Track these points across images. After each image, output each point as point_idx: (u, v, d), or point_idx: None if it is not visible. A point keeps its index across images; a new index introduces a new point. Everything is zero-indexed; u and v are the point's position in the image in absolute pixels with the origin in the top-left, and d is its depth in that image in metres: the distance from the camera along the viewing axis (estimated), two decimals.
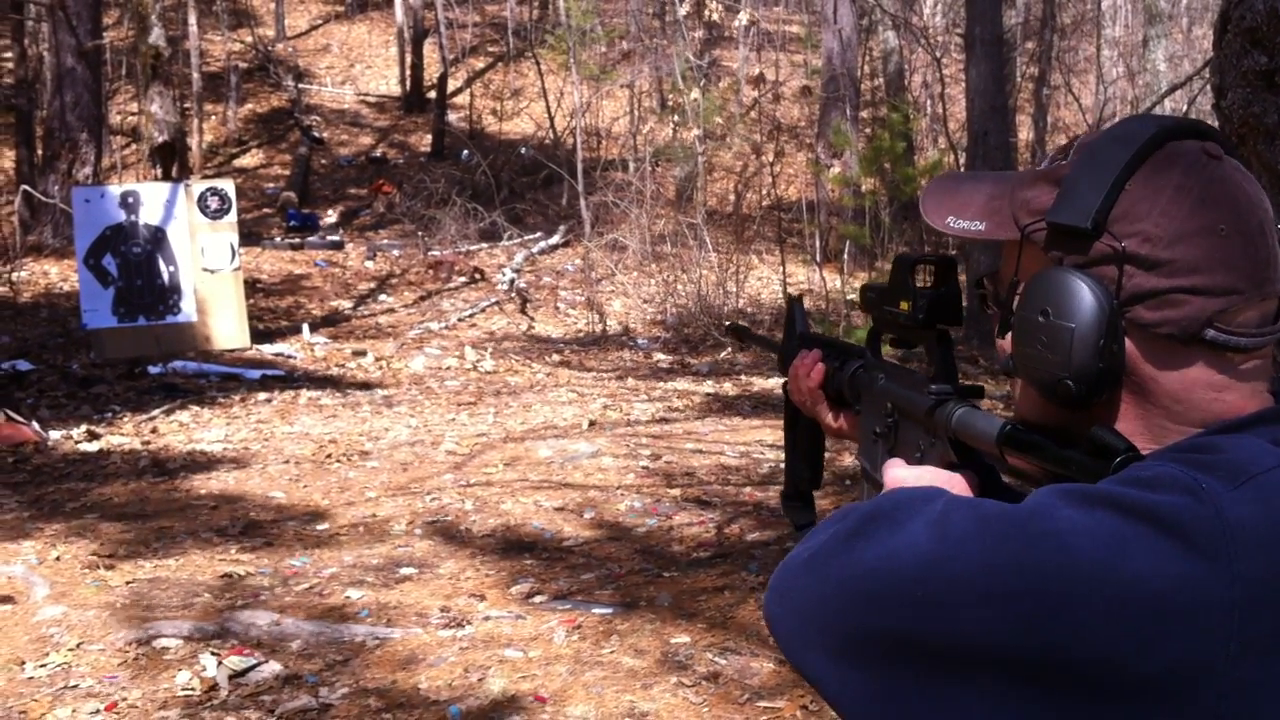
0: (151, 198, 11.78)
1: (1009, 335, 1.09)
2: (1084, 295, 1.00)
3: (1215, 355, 1.00)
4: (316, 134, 20.45)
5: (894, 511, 0.99)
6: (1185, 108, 15.17)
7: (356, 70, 23.99)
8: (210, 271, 11.80)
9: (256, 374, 10.73)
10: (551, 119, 19.57)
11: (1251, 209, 1.00)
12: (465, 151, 19.28)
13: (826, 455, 1.68)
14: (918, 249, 12.10)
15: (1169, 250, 0.99)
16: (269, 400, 9.75)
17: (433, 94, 21.55)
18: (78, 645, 4.35)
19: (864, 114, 18.49)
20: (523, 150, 20.02)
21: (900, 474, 1.20)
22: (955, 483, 1.15)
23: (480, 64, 24.13)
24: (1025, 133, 21.75)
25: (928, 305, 1.27)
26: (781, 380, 1.63)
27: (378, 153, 20.45)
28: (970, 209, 1.14)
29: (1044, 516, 0.91)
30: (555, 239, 16.88)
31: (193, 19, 19.71)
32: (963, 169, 15.52)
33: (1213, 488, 0.89)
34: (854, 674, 0.96)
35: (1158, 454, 0.98)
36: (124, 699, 3.94)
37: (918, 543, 0.94)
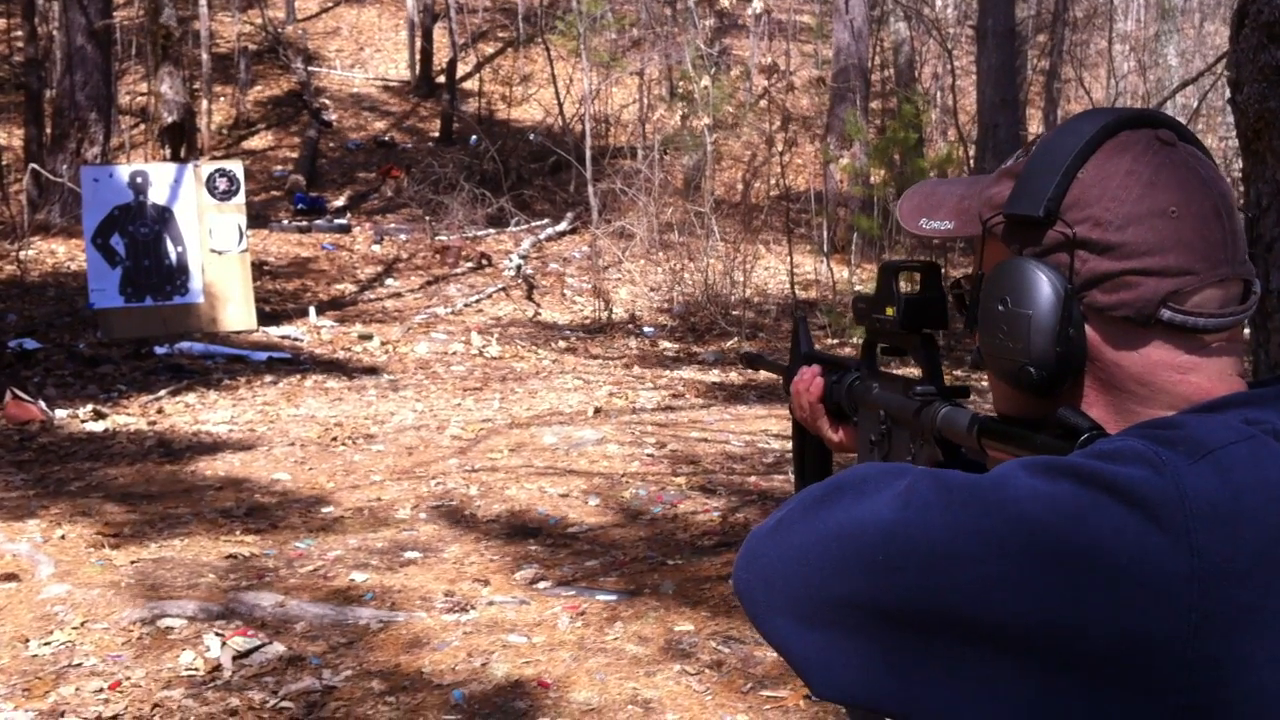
0: (160, 178, 11.78)
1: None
2: (1039, 282, 1.03)
3: (1176, 336, 1.02)
4: (325, 117, 20.42)
5: (860, 483, 1.01)
6: (1196, 103, 15.12)
7: (366, 54, 23.95)
8: (218, 253, 11.80)
9: (263, 356, 10.73)
10: (561, 105, 19.53)
11: (1205, 191, 1.02)
12: (474, 137, 19.25)
13: (836, 461, 1.68)
14: (917, 248, 12.11)
15: (1120, 234, 1.01)
16: (275, 382, 9.75)
17: (442, 79, 21.52)
18: (82, 624, 4.36)
19: (874, 105, 18.44)
20: (531, 136, 19.99)
21: None
22: None
23: (490, 49, 24.08)
24: (1036, 126, 21.70)
25: (911, 310, 1.31)
26: (789, 400, 1.65)
27: (386, 137, 20.42)
28: (941, 210, 1.18)
29: (1005, 485, 0.92)
30: (562, 226, 16.85)
31: (204, 0, 19.69)
32: (972, 161, 15.51)
33: (1173, 461, 0.90)
34: (816, 638, 0.97)
35: (1124, 431, 1.00)
36: (128, 678, 3.95)
37: (880, 510, 0.95)
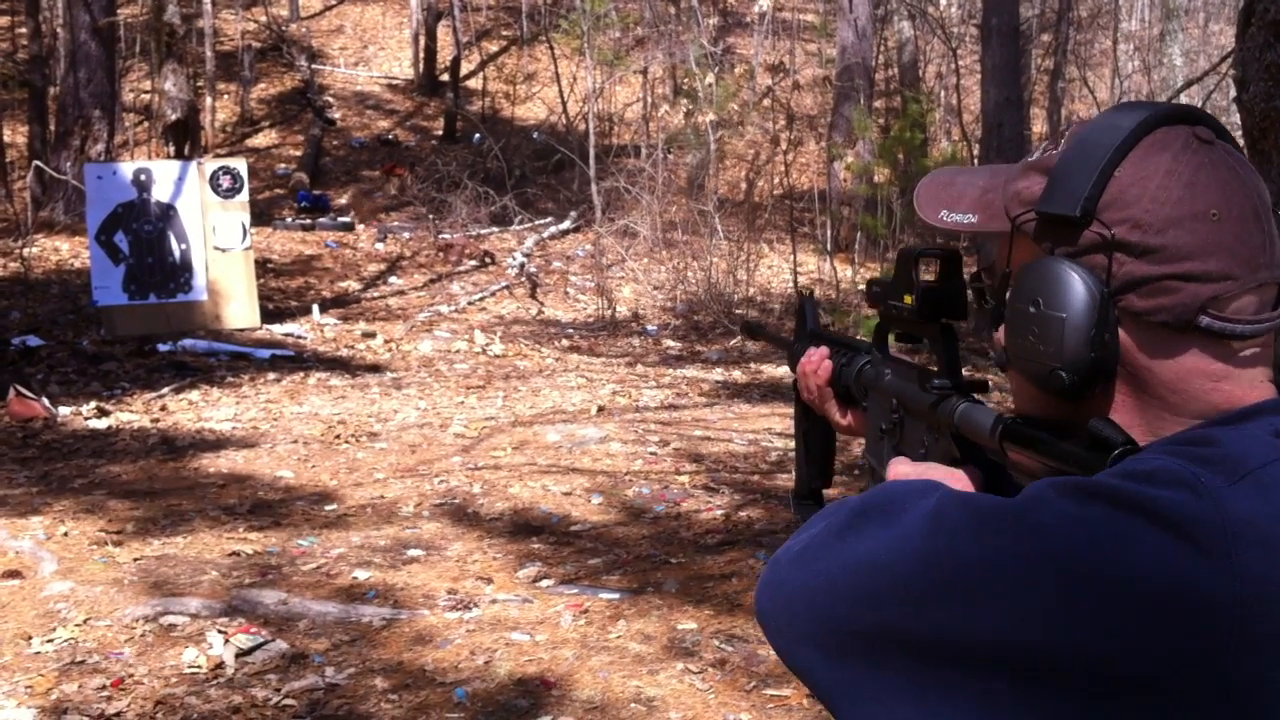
0: (163, 175, 11.78)
1: (1003, 328, 1.08)
2: (1074, 284, 0.98)
3: (1211, 343, 0.98)
4: (329, 115, 20.42)
5: (887, 505, 0.98)
6: (1201, 103, 15.10)
7: (370, 52, 23.94)
8: (221, 250, 11.80)
9: (266, 354, 10.73)
10: (564, 104, 19.53)
11: (1244, 193, 0.98)
12: (477, 135, 19.25)
13: (837, 444, 1.67)
14: (930, 241, 12.08)
15: (1160, 237, 0.97)
16: (278, 380, 9.75)
17: (446, 77, 21.51)
18: (85, 621, 4.36)
19: (878, 104, 18.43)
20: (535, 135, 19.98)
21: (904, 471, 1.18)
22: (958, 479, 1.13)
23: (494, 47, 24.08)
24: (1040, 126, 21.67)
25: (931, 299, 1.26)
26: (792, 377, 1.61)
27: (390, 135, 20.41)
28: (964, 202, 1.13)
29: (1038, 510, 0.89)
30: (566, 224, 16.85)
31: None
32: (976, 160, 15.47)
33: (1211, 483, 0.87)
34: (843, 668, 0.95)
35: (1155, 446, 0.96)
36: (130, 675, 3.95)
37: (910, 537, 0.93)
